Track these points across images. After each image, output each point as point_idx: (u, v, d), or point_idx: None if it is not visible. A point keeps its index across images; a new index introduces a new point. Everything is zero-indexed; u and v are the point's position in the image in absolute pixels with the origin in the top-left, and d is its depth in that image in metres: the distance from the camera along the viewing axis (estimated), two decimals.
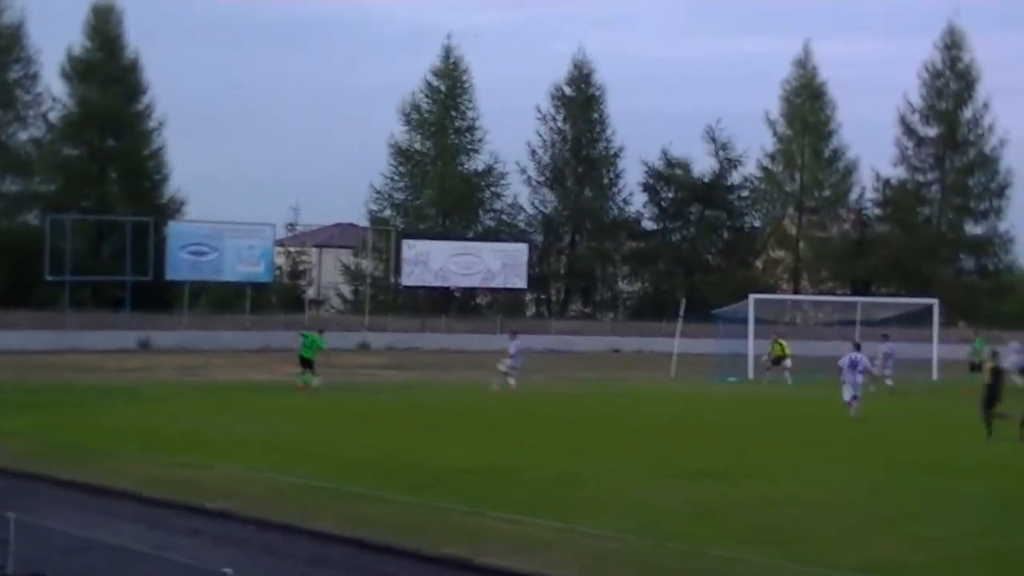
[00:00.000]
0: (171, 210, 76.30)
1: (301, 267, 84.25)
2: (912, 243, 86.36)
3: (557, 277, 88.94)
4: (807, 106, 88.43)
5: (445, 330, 70.50)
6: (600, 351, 68.54)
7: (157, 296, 67.30)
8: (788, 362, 49.35)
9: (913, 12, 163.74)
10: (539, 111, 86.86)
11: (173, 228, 68.71)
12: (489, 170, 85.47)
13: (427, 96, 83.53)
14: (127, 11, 77.47)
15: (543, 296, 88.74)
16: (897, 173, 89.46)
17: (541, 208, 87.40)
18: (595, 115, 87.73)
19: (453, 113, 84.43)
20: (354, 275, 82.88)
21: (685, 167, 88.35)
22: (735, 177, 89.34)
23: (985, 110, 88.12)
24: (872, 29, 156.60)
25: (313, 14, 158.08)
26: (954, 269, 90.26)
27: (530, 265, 78.63)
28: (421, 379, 45.72)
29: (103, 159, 77.90)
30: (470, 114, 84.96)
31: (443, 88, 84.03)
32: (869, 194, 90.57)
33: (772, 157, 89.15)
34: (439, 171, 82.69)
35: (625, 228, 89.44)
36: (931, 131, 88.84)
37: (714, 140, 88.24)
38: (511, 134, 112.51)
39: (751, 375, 50.32)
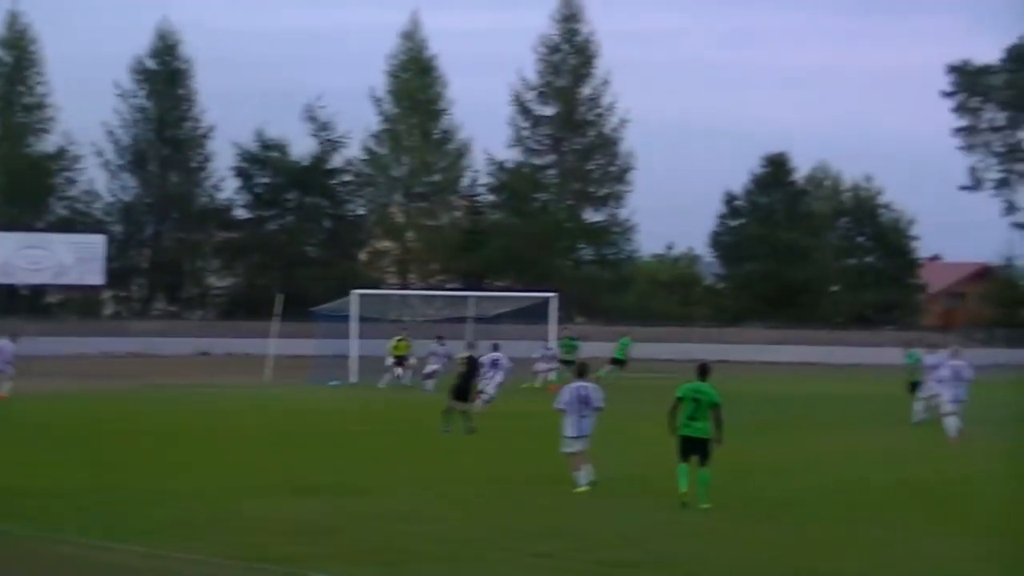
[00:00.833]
0: None
1: None
2: (528, 232, 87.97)
3: (139, 272, 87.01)
4: (415, 83, 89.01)
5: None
6: (187, 354, 67.54)
7: None
8: (412, 360, 49.94)
9: None
10: (118, 86, 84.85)
11: None
12: (61, 153, 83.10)
13: None
14: None
15: (123, 294, 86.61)
16: (512, 156, 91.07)
17: (121, 195, 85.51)
18: (181, 91, 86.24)
19: (20, 88, 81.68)
20: None
21: (282, 149, 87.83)
22: (337, 160, 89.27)
23: (604, 87, 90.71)
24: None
25: None
26: (573, 260, 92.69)
27: (108, 259, 76.79)
28: None
29: None
30: (39, 89, 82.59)
31: (8, 60, 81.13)
32: (483, 179, 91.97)
33: (378, 138, 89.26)
34: (3, 153, 79.68)
35: (216, 217, 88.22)
36: (548, 110, 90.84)
37: (314, 120, 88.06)
38: (88, 114, 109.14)
39: (354, 378, 50.58)
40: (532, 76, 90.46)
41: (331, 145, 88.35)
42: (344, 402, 41.39)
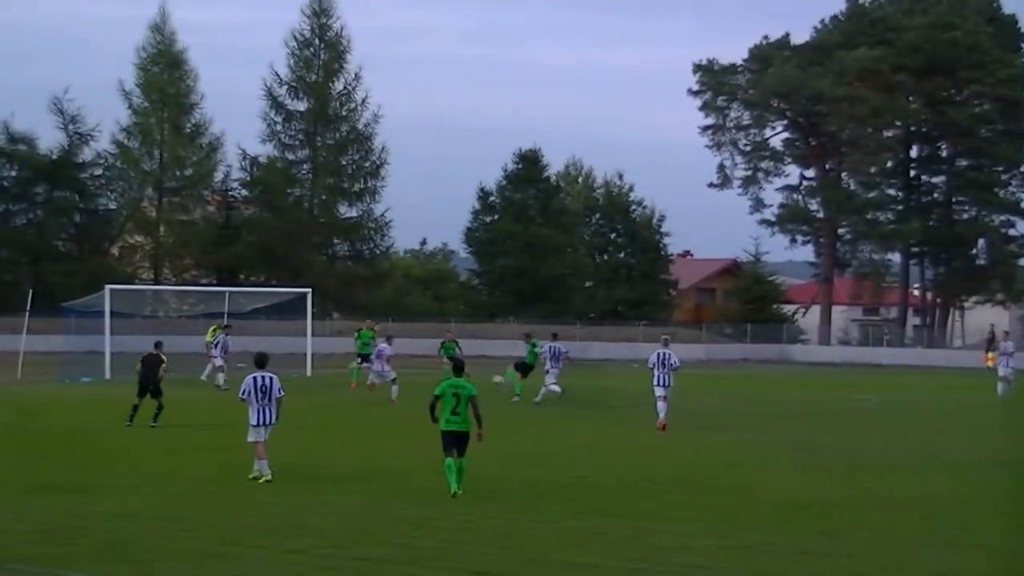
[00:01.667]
0: None
1: None
2: (282, 227, 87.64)
3: None
4: (166, 76, 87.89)
5: None
6: None
7: None
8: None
9: None
10: None
11: None
12: None
13: None
14: None
15: None
16: (266, 151, 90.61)
17: None
18: None
19: None
20: None
21: (30, 142, 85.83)
22: (87, 154, 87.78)
23: (357, 82, 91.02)
24: None
25: None
26: (327, 255, 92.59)
27: None
28: None
29: None
30: None
31: None
32: (236, 174, 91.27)
33: (128, 132, 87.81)
34: None
35: None
36: (300, 105, 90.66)
37: (62, 112, 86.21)
38: None
39: (108, 375, 49.62)
40: (284, 71, 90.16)
41: (80, 139, 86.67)
42: (95, 399, 40.49)
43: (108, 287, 53.43)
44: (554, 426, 34.20)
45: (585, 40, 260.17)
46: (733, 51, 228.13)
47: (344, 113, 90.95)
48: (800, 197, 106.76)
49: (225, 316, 56.01)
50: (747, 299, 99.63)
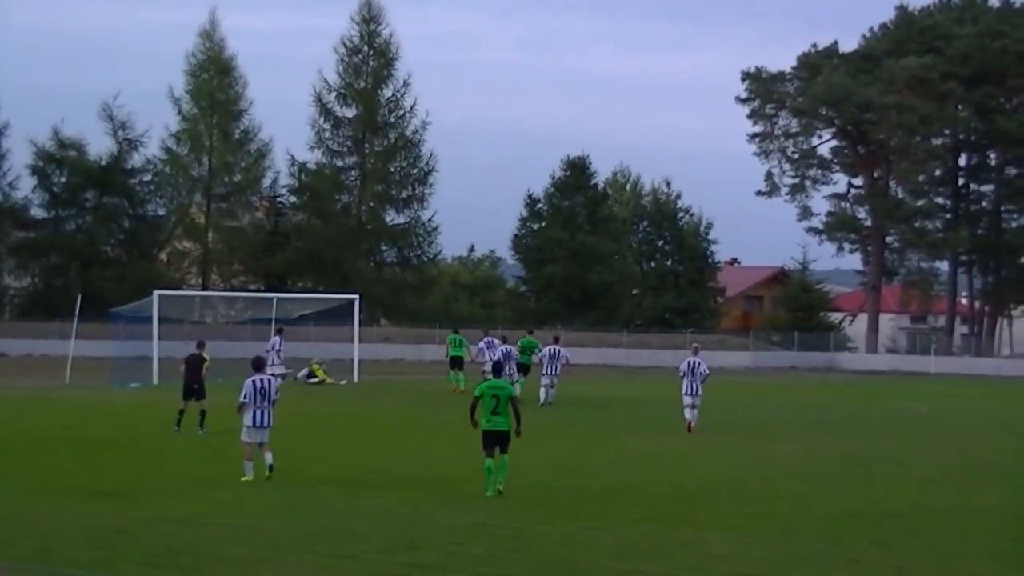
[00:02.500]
0: None
1: None
2: (330, 233, 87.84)
3: None
4: (215, 82, 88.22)
5: None
6: None
7: None
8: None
9: None
10: None
11: None
12: None
13: None
14: None
15: None
16: (314, 157, 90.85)
17: None
18: None
19: None
20: None
21: (80, 148, 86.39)
22: (137, 160, 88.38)
23: (406, 89, 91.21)
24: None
25: None
26: (375, 262, 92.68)
27: None
28: None
29: None
30: None
31: None
32: (284, 180, 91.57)
33: (177, 138, 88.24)
34: None
35: (12, 216, 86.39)
36: (349, 112, 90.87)
37: (112, 119, 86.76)
38: None
39: (156, 380, 49.74)
40: (333, 77, 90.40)
41: (129, 145, 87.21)
42: (143, 405, 40.59)
43: (156, 293, 53.46)
44: (604, 434, 34.03)
45: (635, 48, 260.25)
46: (782, 59, 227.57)
47: (392, 120, 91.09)
48: (848, 205, 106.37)
49: (273, 322, 56.08)
50: (795, 307, 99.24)
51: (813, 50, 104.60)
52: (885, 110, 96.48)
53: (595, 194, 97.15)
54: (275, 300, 58.81)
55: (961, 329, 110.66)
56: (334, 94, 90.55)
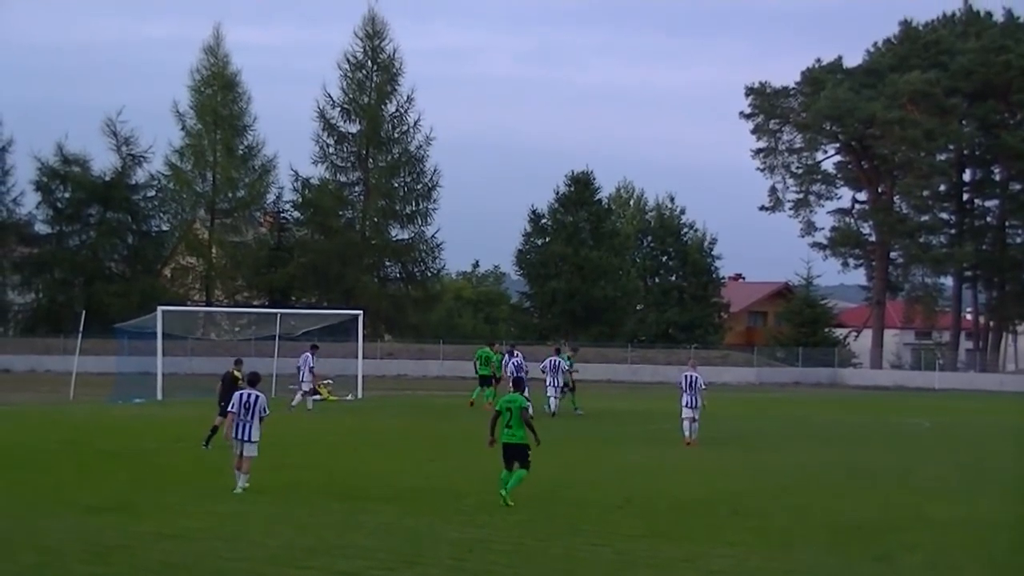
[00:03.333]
0: None
1: None
2: (334, 249, 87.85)
3: None
4: (219, 98, 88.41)
5: None
6: None
7: None
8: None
9: None
10: None
11: None
12: None
13: None
14: None
15: None
16: (318, 172, 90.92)
17: None
18: None
19: None
20: None
21: (83, 164, 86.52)
22: (140, 175, 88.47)
23: (409, 104, 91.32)
24: (288, 14, 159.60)
25: None
26: (379, 277, 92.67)
27: None
28: None
29: None
30: None
31: None
32: (288, 195, 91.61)
33: (181, 153, 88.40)
34: None
35: (15, 232, 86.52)
36: (353, 127, 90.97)
37: (115, 134, 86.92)
38: None
39: (160, 396, 49.80)
40: (337, 93, 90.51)
41: (133, 160, 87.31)
42: (146, 420, 40.62)
43: (160, 308, 53.50)
44: (605, 448, 34.05)
45: (638, 62, 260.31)
46: (786, 74, 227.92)
47: (396, 135, 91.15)
48: (852, 220, 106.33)
49: (276, 338, 56.08)
50: (799, 322, 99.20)
51: (817, 65, 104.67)
52: (889, 125, 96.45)
53: (599, 209, 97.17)
54: (279, 316, 58.71)
55: (966, 344, 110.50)
56: (338, 109, 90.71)
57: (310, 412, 44.33)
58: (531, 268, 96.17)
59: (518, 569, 16.72)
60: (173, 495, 23.10)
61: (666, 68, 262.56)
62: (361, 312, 59.12)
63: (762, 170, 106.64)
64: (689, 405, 34.51)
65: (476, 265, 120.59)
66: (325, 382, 52.27)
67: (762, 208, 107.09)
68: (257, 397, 23.71)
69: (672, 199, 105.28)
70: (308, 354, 46.64)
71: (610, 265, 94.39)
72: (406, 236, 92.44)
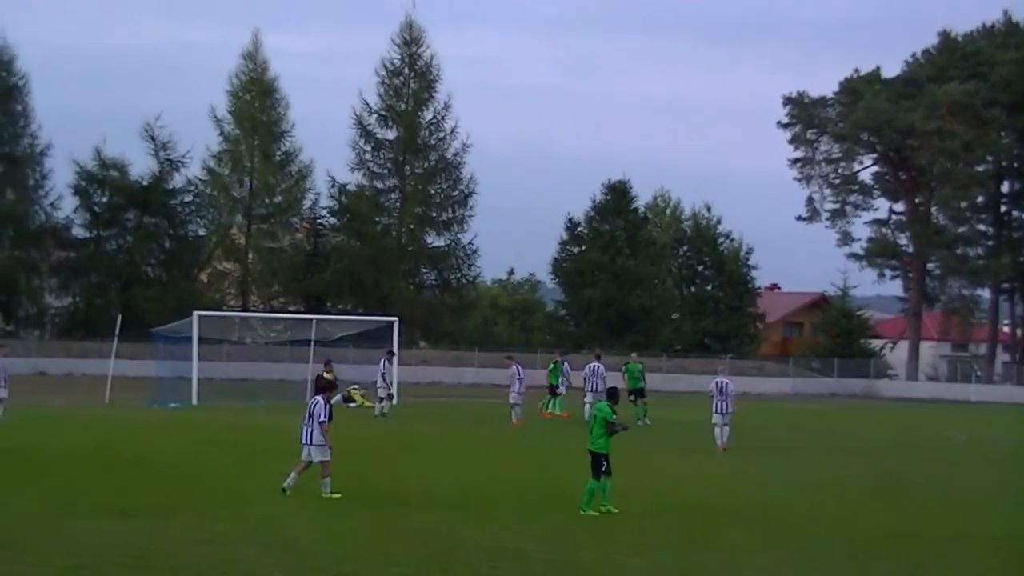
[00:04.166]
0: None
1: None
2: (370, 255, 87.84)
3: None
4: (257, 103, 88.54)
5: None
6: (23, 374, 66.00)
7: None
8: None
9: (370, 3, 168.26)
10: None
11: None
12: None
13: None
14: None
15: None
16: (355, 179, 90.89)
17: None
18: (18, 107, 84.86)
19: None
20: None
21: (121, 168, 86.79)
22: (178, 180, 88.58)
23: (446, 111, 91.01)
24: (326, 20, 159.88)
25: None
26: (414, 284, 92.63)
27: None
28: None
29: None
30: None
31: None
32: (324, 201, 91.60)
33: (219, 159, 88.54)
34: None
35: (53, 235, 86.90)
36: (390, 134, 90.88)
37: (153, 139, 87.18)
38: None
39: (196, 400, 49.95)
40: (374, 99, 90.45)
41: (171, 165, 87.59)
42: (181, 424, 40.76)
43: (196, 313, 53.63)
44: (639, 456, 33.98)
45: (675, 71, 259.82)
46: (823, 84, 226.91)
47: (433, 142, 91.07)
48: (889, 231, 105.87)
49: (312, 344, 56.20)
50: (835, 333, 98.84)
51: (855, 75, 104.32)
52: (927, 136, 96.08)
53: (635, 218, 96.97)
54: (314, 321, 58.85)
55: (1002, 357, 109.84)
56: (375, 116, 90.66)
57: (379, 418, 44.60)
58: (567, 276, 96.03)
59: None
60: (207, 499, 23.17)
61: (704, 77, 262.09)
62: (396, 319, 59.13)
63: (799, 180, 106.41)
64: (719, 411, 34.96)
65: (511, 273, 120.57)
66: (356, 387, 52.41)
67: (799, 218, 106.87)
68: (316, 403, 24.06)
69: (708, 208, 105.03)
70: (384, 360, 47.16)
71: (646, 274, 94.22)
72: (442, 243, 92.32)
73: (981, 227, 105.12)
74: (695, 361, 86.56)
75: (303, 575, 16.42)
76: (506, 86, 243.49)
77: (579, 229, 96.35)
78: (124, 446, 33.37)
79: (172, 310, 66.41)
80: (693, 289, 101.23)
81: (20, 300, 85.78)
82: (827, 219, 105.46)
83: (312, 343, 56.34)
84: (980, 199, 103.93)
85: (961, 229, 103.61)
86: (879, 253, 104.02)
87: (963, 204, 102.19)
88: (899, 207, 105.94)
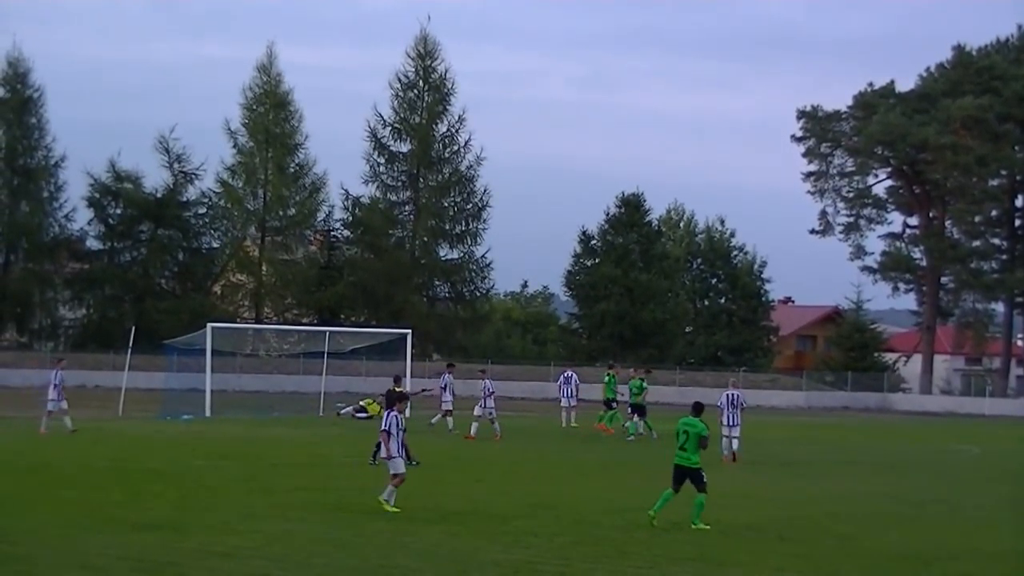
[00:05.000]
0: None
1: None
2: (384, 268, 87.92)
3: None
4: (271, 116, 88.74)
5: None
6: (37, 385, 66.12)
7: None
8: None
9: (385, 17, 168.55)
10: None
11: None
12: None
13: None
14: None
15: None
16: (368, 192, 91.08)
17: None
18: (33, 120, 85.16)
19: None
20: None
21: (136, 181, 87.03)
22: (192, 192, 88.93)
23: (460, 124, 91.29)
24: (341, 34, 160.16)
25: None
26: (428, 297, 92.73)
27: None
28: None
29: None
30: None
31: None
32: (338, 214, 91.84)
33: (233, 171, 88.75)
34: None
35: (67, 248, 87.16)
36: (404, 147, 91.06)
37: (168, 151, 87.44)
38: None
39: (209, 412, 49.99)
40: (388, 112, 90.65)
41: (185, 177, 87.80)
42: (194, 437, 40.78)
43: (210, 325, 53.69)
44: (652, 470, 33.94)
45: (689, 87, 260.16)
46: (838, 98, 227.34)
47: (447, 155, 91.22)
48: (903, 245, 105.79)
49: (325, 356, 56.23)
50: (848, 347, 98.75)
51: (869, 89, 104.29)
52: (941, 150, 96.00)
53: (649, 231, 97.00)
54: (328, 334, 58.93)
55: (1016, 371, 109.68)
56: (389, 129, 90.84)
57: (455, 432, 44.55)
58: (580, 289, 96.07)
59: None
60: (220, 513, 23.17)
61: (718, 92, 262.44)
62: (410, 331, 59.15)
63: (813, 193, 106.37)
64: (729, 423, 35.40)
65: (525, 286, 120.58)
66: (372, 399, 52.29)
67: (812, 232, 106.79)
68: (386, 415, 24.25)
69: (722, 222, 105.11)
70: (447, 374, 46.98)
71: (659, 287, 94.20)
72: (455, 256, 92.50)
73: (995, 241, 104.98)
74: (708, 374, 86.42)
75: None
76: (522, 100, 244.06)
77: (593, 242, 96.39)
78: (138, 459, 33.37)
79: (185, 322, 66.57)
80: (706, 302, 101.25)
81: (34, 312, 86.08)
82: (841, 233, 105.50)
83: (325, 355, 56.38)
84: (994, 213, 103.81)
85: (975, 243, 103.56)
86: (893, 267, 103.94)
87: (977, 218, 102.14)
88: (913, 221, 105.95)
